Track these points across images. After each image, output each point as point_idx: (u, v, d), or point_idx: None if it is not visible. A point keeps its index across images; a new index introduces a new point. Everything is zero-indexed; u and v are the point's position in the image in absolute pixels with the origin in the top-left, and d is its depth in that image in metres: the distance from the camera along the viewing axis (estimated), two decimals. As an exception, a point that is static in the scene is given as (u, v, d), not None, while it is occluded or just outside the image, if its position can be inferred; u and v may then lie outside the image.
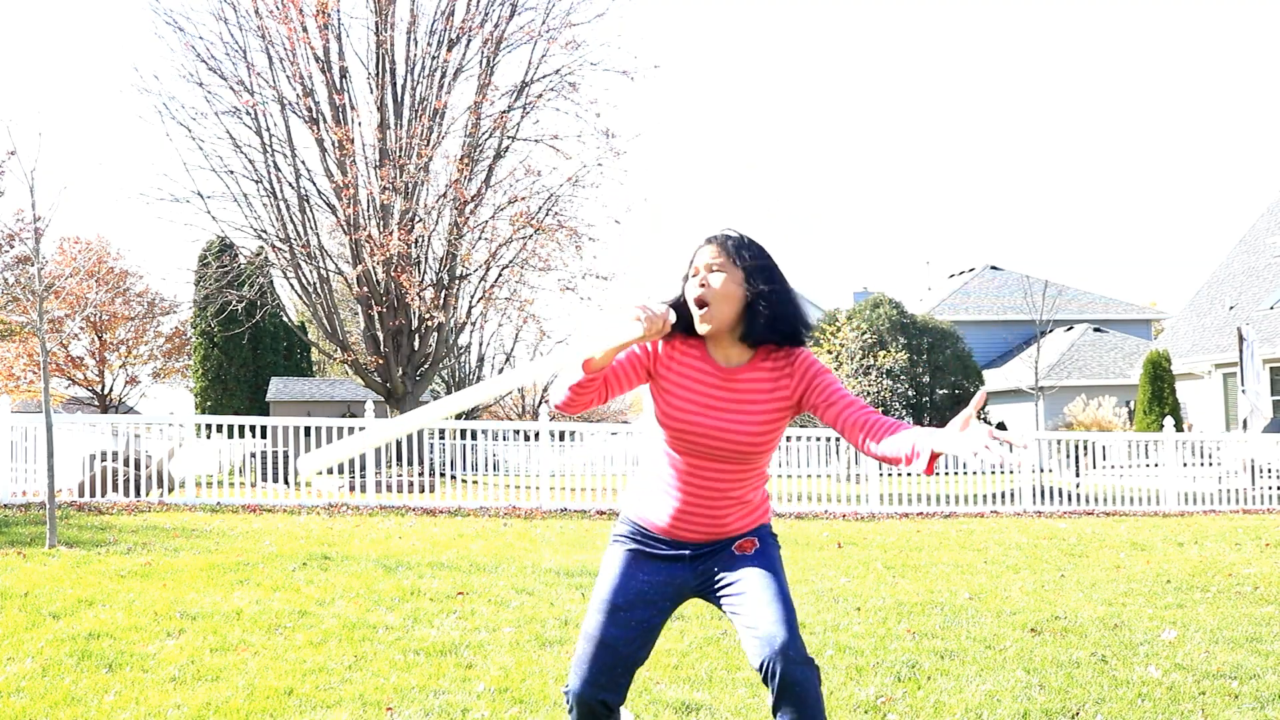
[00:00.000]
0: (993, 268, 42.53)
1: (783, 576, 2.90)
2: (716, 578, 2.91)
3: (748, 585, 2.82)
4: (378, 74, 19.04)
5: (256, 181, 18.86)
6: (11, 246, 27.52)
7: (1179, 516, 13.89)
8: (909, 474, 15.93)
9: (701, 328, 2.80)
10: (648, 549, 2.95)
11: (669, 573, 2.93)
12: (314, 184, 19.52)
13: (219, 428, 18.97)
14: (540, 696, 4.24)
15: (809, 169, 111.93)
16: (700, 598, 3.00)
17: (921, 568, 8.29)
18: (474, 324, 27.39)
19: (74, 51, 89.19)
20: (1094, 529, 11.85)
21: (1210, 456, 16.72)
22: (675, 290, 2.91)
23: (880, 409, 27.99)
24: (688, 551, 2.93)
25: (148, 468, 13.29)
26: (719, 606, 2.94)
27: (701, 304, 2.80)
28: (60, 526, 9.44)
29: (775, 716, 2.72)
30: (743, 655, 4.99)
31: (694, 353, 2.88)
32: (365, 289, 19.07)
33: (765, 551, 2.94)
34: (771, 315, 2.81)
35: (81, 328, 35.57)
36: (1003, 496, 14.90)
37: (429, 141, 18.47)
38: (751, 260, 2.83)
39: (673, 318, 2.76)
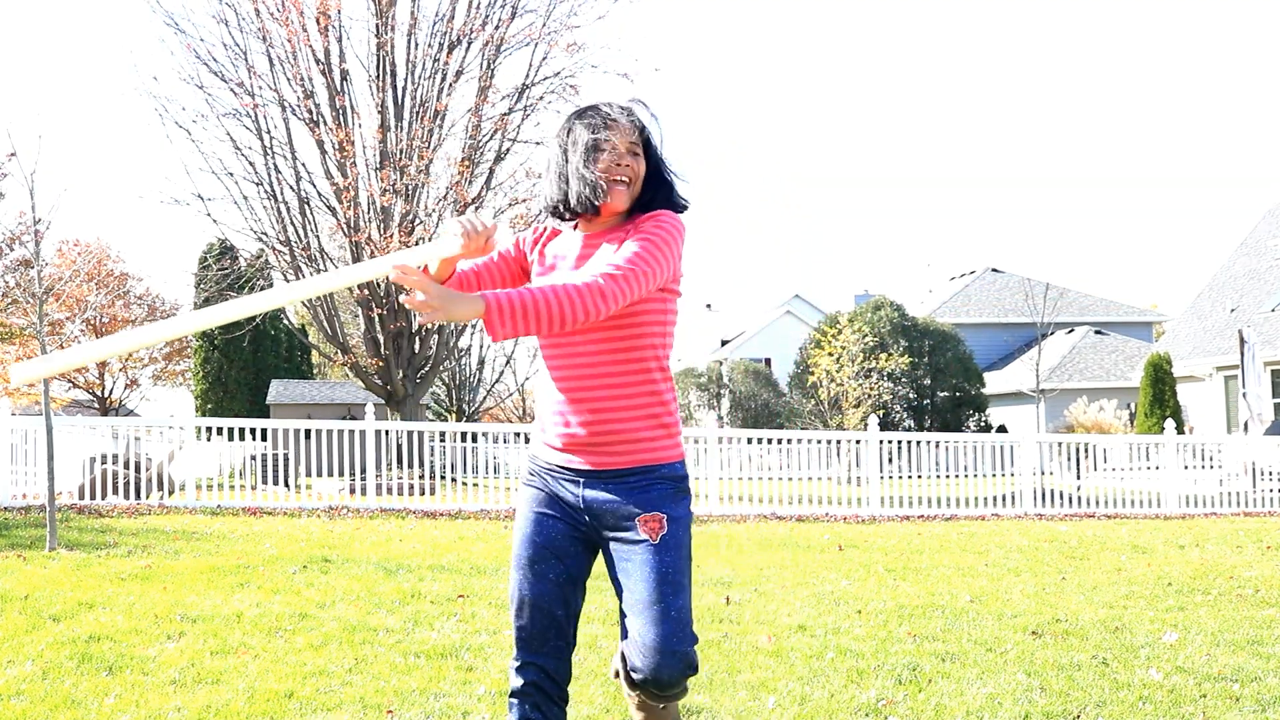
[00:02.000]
0: (994, 270, 42.54)
1: (684, 579, 2.70)
2: (615, 553, 2.73)
3: (644, 594, 2.66)
4: (378, 76, 19.05)
5: (257, 184, 18.86)
6: (12, 249, 27.53)
7: (1180, 519, 13.87)
8: (908, 476, 15.92)
9: (616, 205, 2.71)
10: (550, 480, 2.79)
11: (573, 518, 2.78)
12: (314, 186, 19.52)
13: (219, 430, 18.95)
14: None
15: (809, 170, 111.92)
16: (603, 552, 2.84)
17: (922, 570, 8.28)
18: (474, 326, 27.39)
19: (74, 54, 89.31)
20: (1095, 531, 11.84)
21: (1211, 459, 16.72)
22: (556, 164, 2.78)
23: (882, 411, 28.06)
24: (582, 479, 2.74)
25: (148, 470, 13.28)
26: (610, 575, 2.79)
27: (621, 184, 2.71)
28: (60, 529, 9.44)
29: (632, 690, 2.75)
30: (743, 657, 4.99)
31: (561, 231, 2.86)
32: (365, 291, 19.06)
33: (670, 543, 2.70)
34: (664, 191, 2.78)
35: (82, 330, 35.59)
36: (1004, 499, 14.89)
37: (430, 144, 18.47)
38: (649, 138, 2.79)
39: (500, 236, 2.67)
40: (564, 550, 2.77)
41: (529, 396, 44.42)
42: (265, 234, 19.15)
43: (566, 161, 2.75)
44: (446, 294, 2.40)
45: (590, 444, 2.72)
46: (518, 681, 2.79)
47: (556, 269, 2.79)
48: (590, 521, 2.76)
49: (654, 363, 2.73)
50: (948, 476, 15.49)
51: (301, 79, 18.62)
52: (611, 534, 2.74)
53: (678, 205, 2.79)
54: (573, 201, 2.71)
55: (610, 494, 2.72)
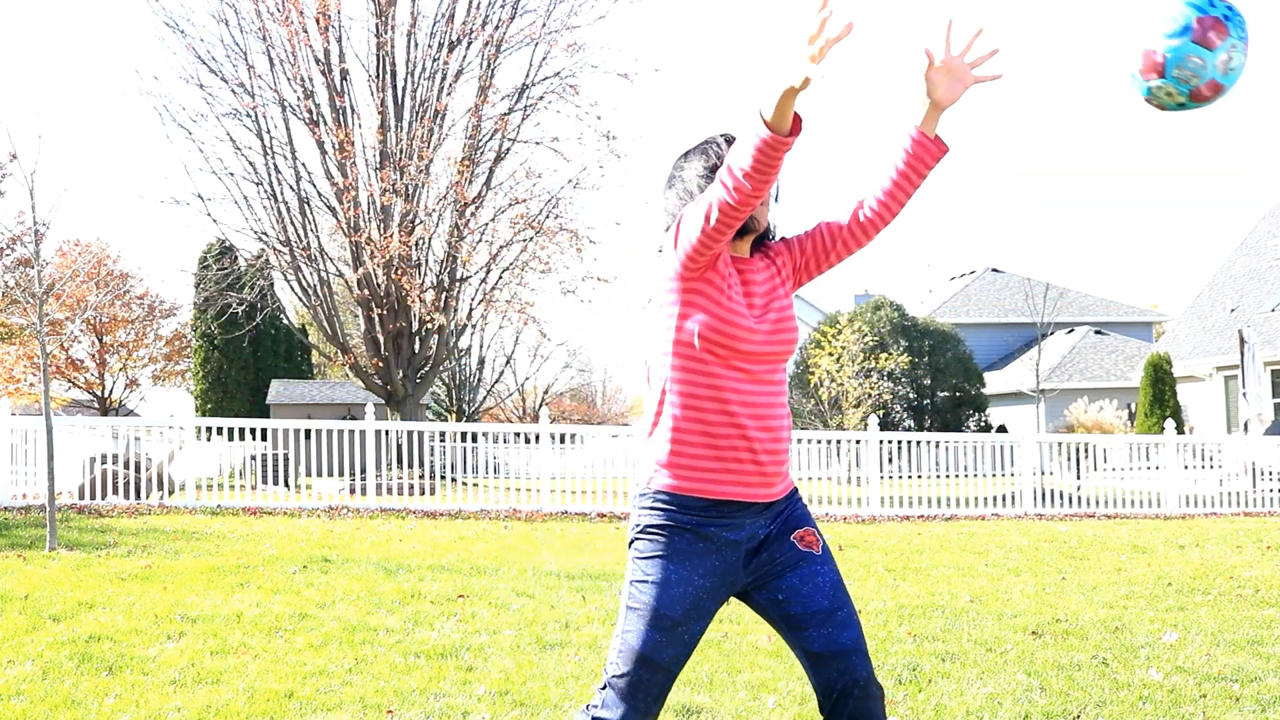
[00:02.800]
0: (994, 270, 42.53)
1: (845, 583, 2.61)
2: (779, 581, 2.51)
3: (824, 605, 2.49)
4: (378, 76, 19.05)
5: (257, 184, 18.86)
6: (12, 249, 27.53)
7: (1180, 519, 13.87)
8: (908, 476, 15.91)
9: (763, 221, 2.58)
10: (699, 532, 2.46)
11: (723, 568, 2.49)
12: (314, 186, 19.53)
13: (219, 430, 18.94)
14: (541, 699, 4.24)
15: (809, 170, 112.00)
16: (741, 599, 2.57)
17: (922, 570, 8.28)
18: (475, 326, 27.37)
19: (75, 54, 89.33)
20: (1095, 531, 11.84)
21: (1211, 459, 16.71)
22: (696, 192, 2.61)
23: (882, 411, 28.08)
24: (745, 522, 2.50)
25: (148, 470, 13.28)
26: (774, 613, 2.53)
27: (765, 203, 2.59)
28: (60, 529, 9.44)
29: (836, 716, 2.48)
30: (743, 657, 4.98)
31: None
32: (366, 291, 19.07)
33: (828, 553, 2.60)
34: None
35: (82, 330, 35.60)
36: (1004, 499, 14.89)
37: (430, 143, 18.47)
38: None
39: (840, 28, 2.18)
40: (708, 610, 2.50)
41: (529, 397, 44.42)
42: (265, 234, 19.16)
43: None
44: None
45: (769, 476, 2.53)
46: None
47: (736, 294, 2.52)
48: (748, 562, 2.53)
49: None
50: (948, 476, 15.48)
51: (301, 79, 18.63)
52: (768, 567, 2.54)
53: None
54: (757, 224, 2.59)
55: (769, 524, 2.56)
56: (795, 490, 2.67)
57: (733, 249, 2.59)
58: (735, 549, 2.50)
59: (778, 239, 2.71)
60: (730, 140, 2.60)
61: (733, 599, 2.61)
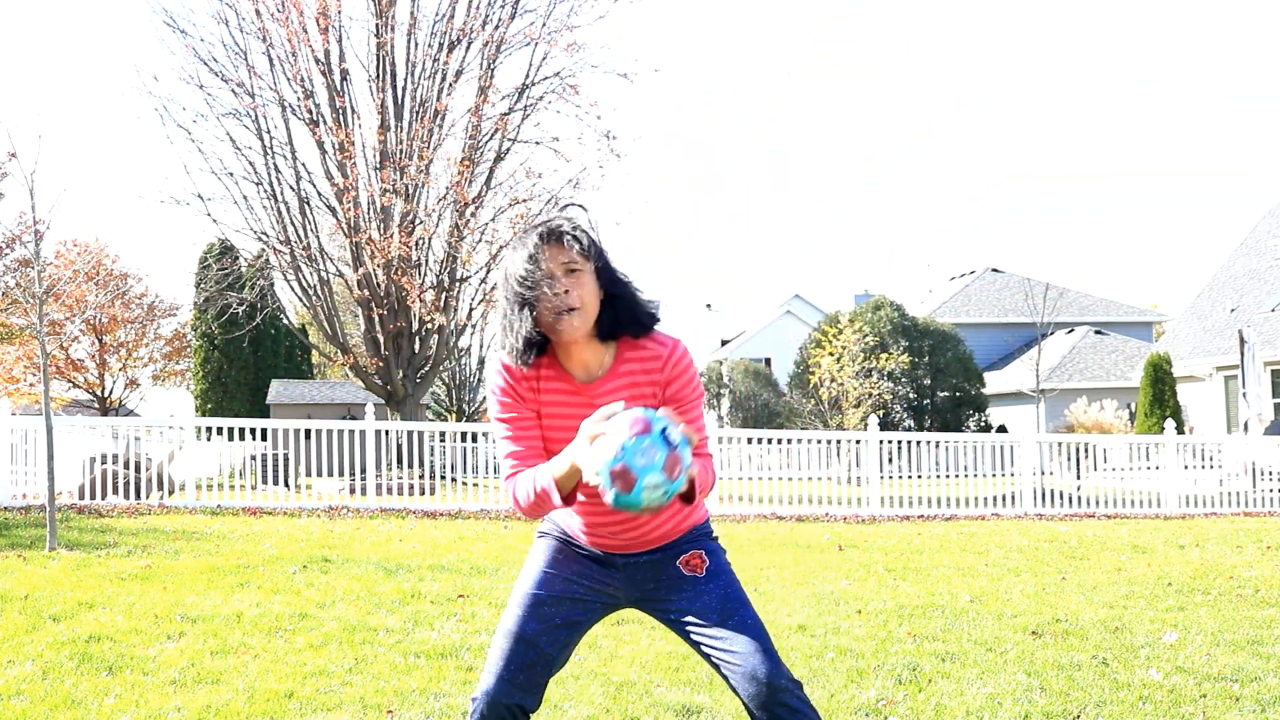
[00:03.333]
0: (994, 270, 42.54)
1: (744, 594, 2.71)
2: (667, 603, 2.70)
3: (713, 619, 2.63)
4: (378, 76, 19.05)
5: (257, 184, 18.86)
6: (12, 249, 27.53)
7: (1180, 519, 13.87)
8: (908, 476, 15.93)
9: (569, 336, 2.52)
10: (575, 547, 2.77)
11: (601, 576, 2.75)
12: (314, 186, 19.52)
13: (219, 430, 18.94)
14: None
15: (808, 170, 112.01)
16: (641, 610, 2.80)
17: (922, 570, 8.28)
18: (475, 326, 27.39)
19: (74, 54, 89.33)
20: (1095, 531, 11.84)
21: (1211, 459, 16.72)
22: (503, 305, 2.56)
23: (882, 411, 28.08)
24: (618, 559, 2.74)
25: (148, 470, 13.28)
26: (676, 632, 2.73)
27: (569, 312, 2.49)
28: (60, 529, 9.44)
29: None
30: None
31: (550, 373, 2.62)
32: (366, 291, 19.06)
33: (717, 570, 2.72)
34: (629, 306, 2.57)
35: (82, 330, 35.61)
36: (1004, 499, 14.89)
37: (430, 144, 18.47)
38: (596, 251, 2.56)
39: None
40: (582, 602, 2.72)
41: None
42: (265, 234, 19.15)
43: (511, 307, 2.56)
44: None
45: (625, 548, 2.74)
46: (490, 715, 2.60)
47: (562, 421, 2.60)
48: (631, 576, 2.75)
49: None
50: (948, 476, 15.48)
51: (301, 79, 18.63)
52: (653, 587, 2.74)
53: (654, 320, 2.62)
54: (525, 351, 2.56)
55: (654, 553, 2.75)
56: (693, 530, 2.77)
57: (581, 368, 2.64)
58: (611, 563, 2.75)
59: (671, 358, 2.62)
60: (552, 231, 2.54)
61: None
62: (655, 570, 2.73)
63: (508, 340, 2.57)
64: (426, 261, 19.64)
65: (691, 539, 2.75)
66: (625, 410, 2.41)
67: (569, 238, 2.52)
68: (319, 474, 14.40)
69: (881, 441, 14.76)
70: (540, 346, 2.56)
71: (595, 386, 2.60)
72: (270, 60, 18.63)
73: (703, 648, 2.66)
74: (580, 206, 2.65)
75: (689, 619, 2.67)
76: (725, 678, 2.63)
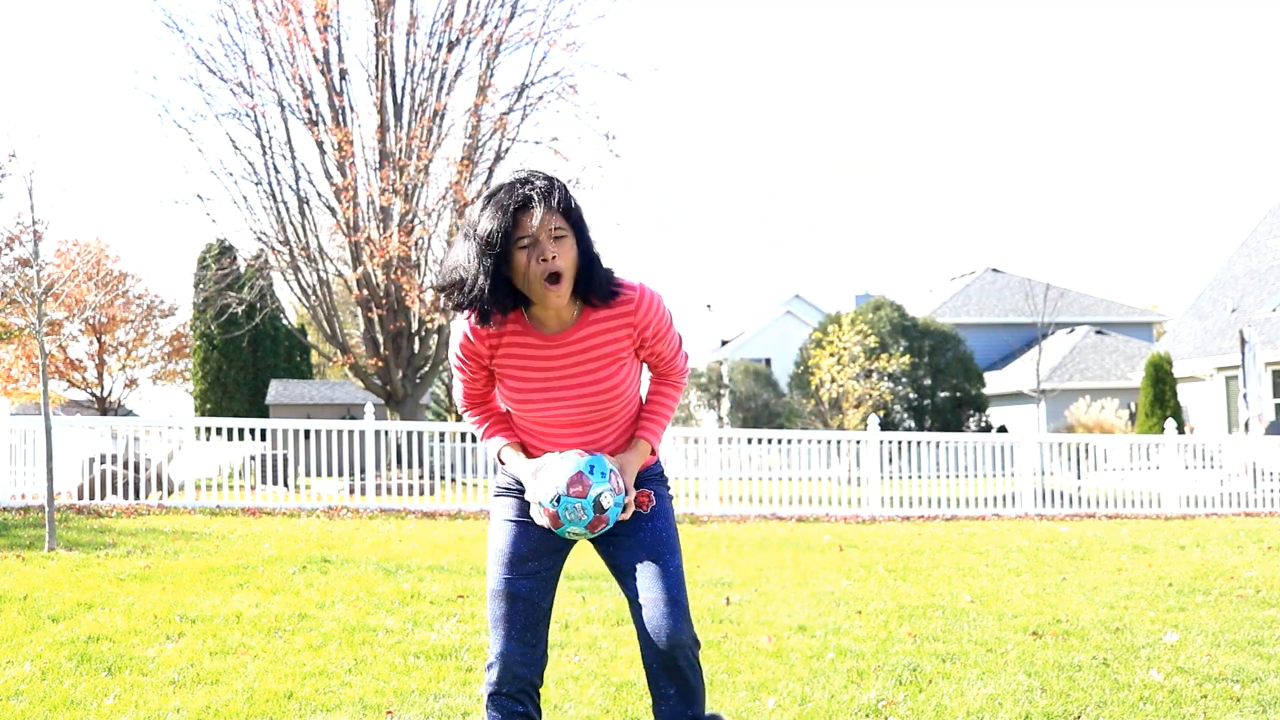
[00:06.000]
0: (994, 270, 42.55)
1: (675, 541, 2.85)
2: (610, 538, 2.85)
3: (641, 555, 2.80)
4: (377, 76, 19.04)
5: (256, 184, 18.85)
6: (11, 249, 27.50)
7: (1180, 519, 13.87)
8: (908, 476, 15.92)
9: (555, 303, 2.59)
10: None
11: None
12: (313, 186, 19.51)
13: (218, 430, 18.93)
14: (540, 700, 4.22)
15: (808, 170, 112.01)
16: (592, 544, 2.94)
17: (923, 571, 8.27)
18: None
19: (74, 53, 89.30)
20: (1095, 532, 11.84)
21: (1212, 459, 16.72)
22: (468, 259, 2.57)
23: (882, 411, 28.06)
24: None
25: (147, 470, 13.28)
26: (608, 564, 2.91)
27: (556, 278, 2.56)
28: (59, 529, 9.43)
29: (657, 685, 2.77)
30: (743, 657, 4.98)
31: (515, 328, 2.71)
32: (365, 291, 19.05)
33: (658, 512, 2.86)
34: (602, 273, 2.66)
35: (81, 330, 35.58)
36: (1004, 499, 14.88)
37: (429, 143, 18.46)
38: (578, 216, 2.63)
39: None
40: (555, 547, 2.88)
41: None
42: (264, 234, 19.15)
43: (480, 258, 2.57)
44: (632, 474, 2.74)
45: None
46: (509, 675, 2.82)
47: (526, 374, 2.73)
48: None
49: (635, 405, 2.88)
50: (948, 476, 15.48)
51: (300, 79, 18.62)
52: None
53: (617, 289, 2.70)
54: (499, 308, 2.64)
55: None
56: (649, 469, 2.93)
57: (554, 320, 2.75)
58: None
59: (642, 309, 2.75)
60: (514, 196, 2.57)
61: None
62: None
63: (469, 297, 2.59)
64: (426, 261, 19.63)
65: (642, 480, 2.91)
66: (575, 456, 2.65)
67: (552, 199, 2.56)
68: (318, 474, 14.39)
69: (882, 442, 14.76)
70: (508, 308, 2.64)
71: (565, 335, 2.71)
72: (269, 60, 18.62)
73: (623, 582, 2.84)
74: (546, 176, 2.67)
75: (621, 554, 2.83)
76: (632, 615, 2.80)
